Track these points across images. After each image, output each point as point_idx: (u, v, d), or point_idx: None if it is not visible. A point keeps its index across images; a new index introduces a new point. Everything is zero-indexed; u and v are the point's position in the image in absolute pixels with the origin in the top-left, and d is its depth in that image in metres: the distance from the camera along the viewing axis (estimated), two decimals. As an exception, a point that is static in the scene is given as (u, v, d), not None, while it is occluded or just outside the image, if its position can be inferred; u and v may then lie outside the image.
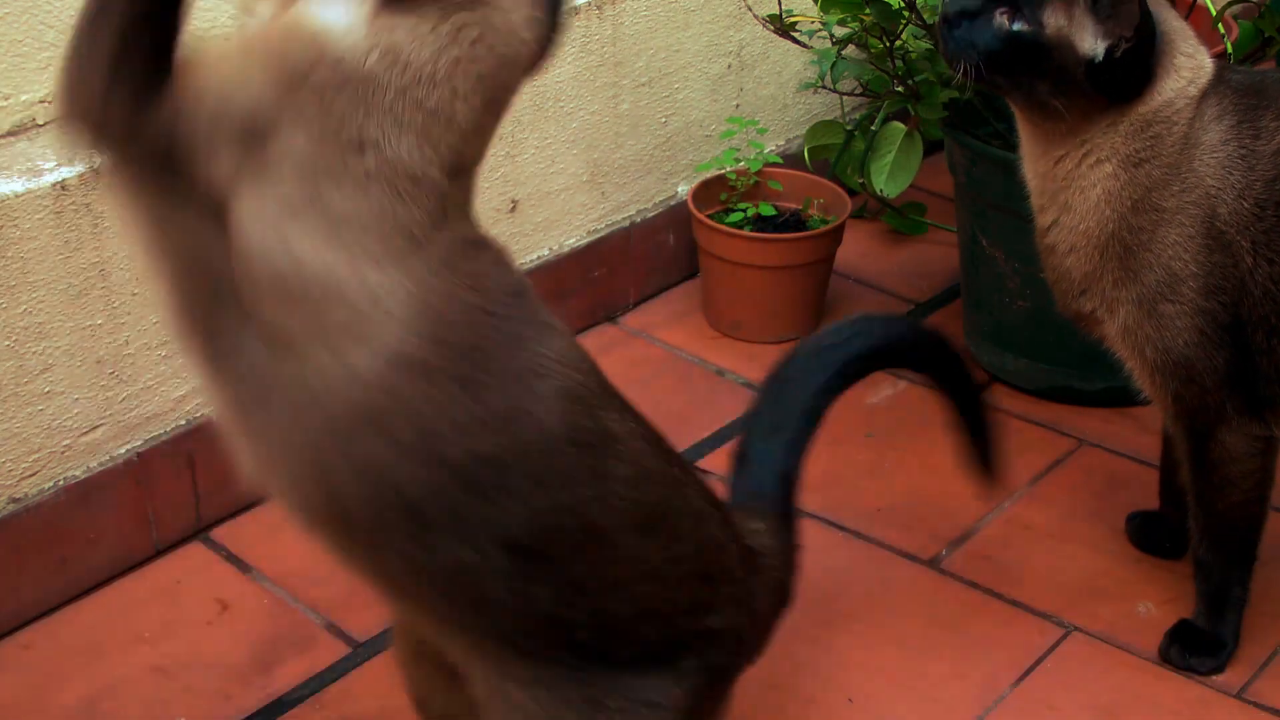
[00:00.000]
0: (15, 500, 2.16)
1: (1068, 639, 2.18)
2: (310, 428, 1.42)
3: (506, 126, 2.60)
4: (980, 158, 2.57)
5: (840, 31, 2.70)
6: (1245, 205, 1.92)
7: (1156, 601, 2.24)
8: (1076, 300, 2.06)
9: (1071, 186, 2.00)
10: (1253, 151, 1.92)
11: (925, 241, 3.19)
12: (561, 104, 2.70)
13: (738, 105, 3.06)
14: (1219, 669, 2.11)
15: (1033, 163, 2.06)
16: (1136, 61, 1.92)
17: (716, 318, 2.90)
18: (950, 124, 2.61)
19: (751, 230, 2.84)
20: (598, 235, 2.87)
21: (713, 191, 2.92)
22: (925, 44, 2.64)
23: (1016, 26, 1.92)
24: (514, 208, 2.68)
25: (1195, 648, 2.12)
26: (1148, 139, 1.95)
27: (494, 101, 1.49)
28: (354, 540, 1.48)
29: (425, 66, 1.42)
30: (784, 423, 1.83)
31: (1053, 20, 1.91)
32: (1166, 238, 1.96)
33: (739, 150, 2.96)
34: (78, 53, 1.34)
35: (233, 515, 2.41)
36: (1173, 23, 1.98)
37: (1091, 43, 1.90)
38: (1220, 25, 2.48)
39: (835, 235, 2.85)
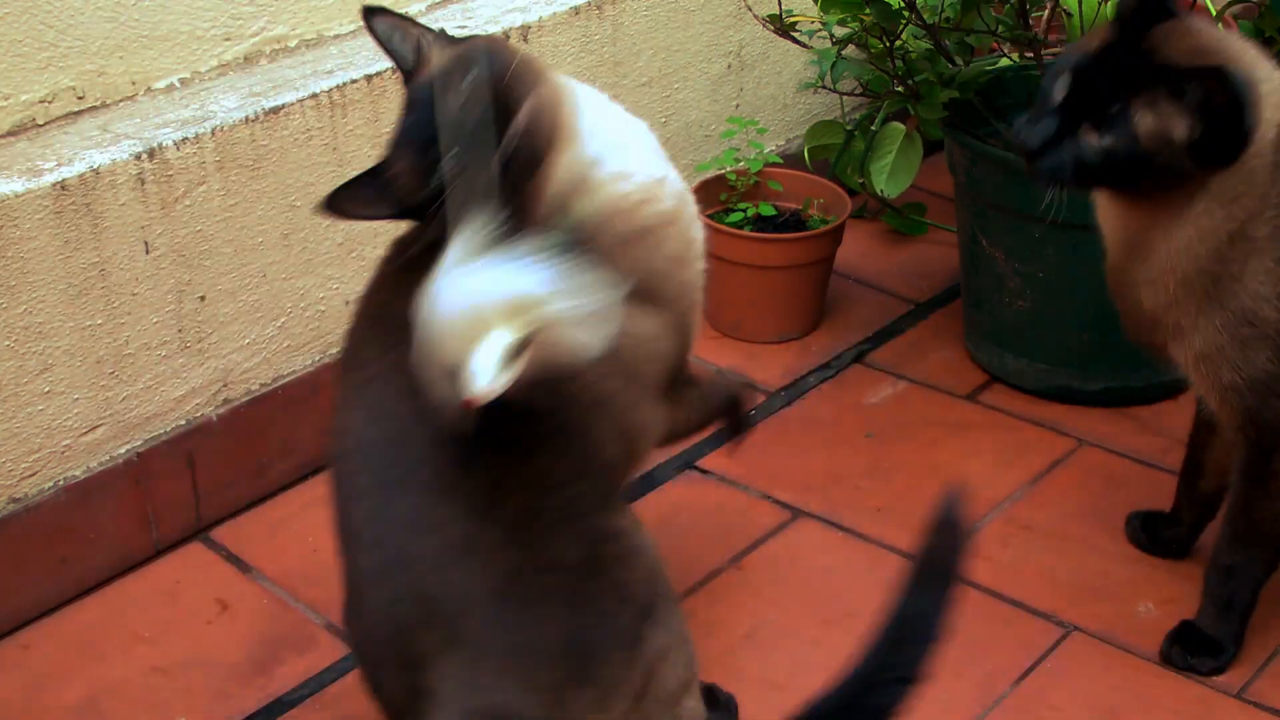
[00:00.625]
0: (15, 500, 2.16)
1: (1068, 639, 2.18)
2: None
3: (506, 126, 2.61)
4: (980, 158, 2.57)
5: (840, 31, 2.70)
6: None
7: (1156, 601, 2.24)
8: (1149, 333, 2.02)
9: (1158, 229, 1.94)
10: None
11: (925, 241, 3.19)
12: (561, 104, 2.70)
13: (738, 105, 3.06)
14: (1220, 670, 2.11)
15: (1119, 219, 1.99)
16: (1240, 121, 1.82)
17: (716, 317, 2.90)
18: (950, 124, 2.61)
19: (751, 230, 2.84)
20: (598, 235, 2.86)
21: (713, 191, 2.92)
22: (925, 44, 2.64)
23: (1108, 141, 1.85)
24: (514, 208, 2.68)
25: (1197, 648, 2.12)
26: (1244, 174, 1.88)
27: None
28: None
29: None
30: None
31: (1143, 123, 1.83)
32: (1258, 266, 1.91)
33: (739, 150, 2.96)
34: None
35: (233, 515, 2.41)
36: (1247, 55, 1.89)
37: (1186, 126, 1.83)
38: (1220, 25, 2.48)
39: (835, 235, 2.85)
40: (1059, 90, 1.90)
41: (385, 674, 1.61)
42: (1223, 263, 1.92)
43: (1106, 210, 2.03)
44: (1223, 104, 1.81)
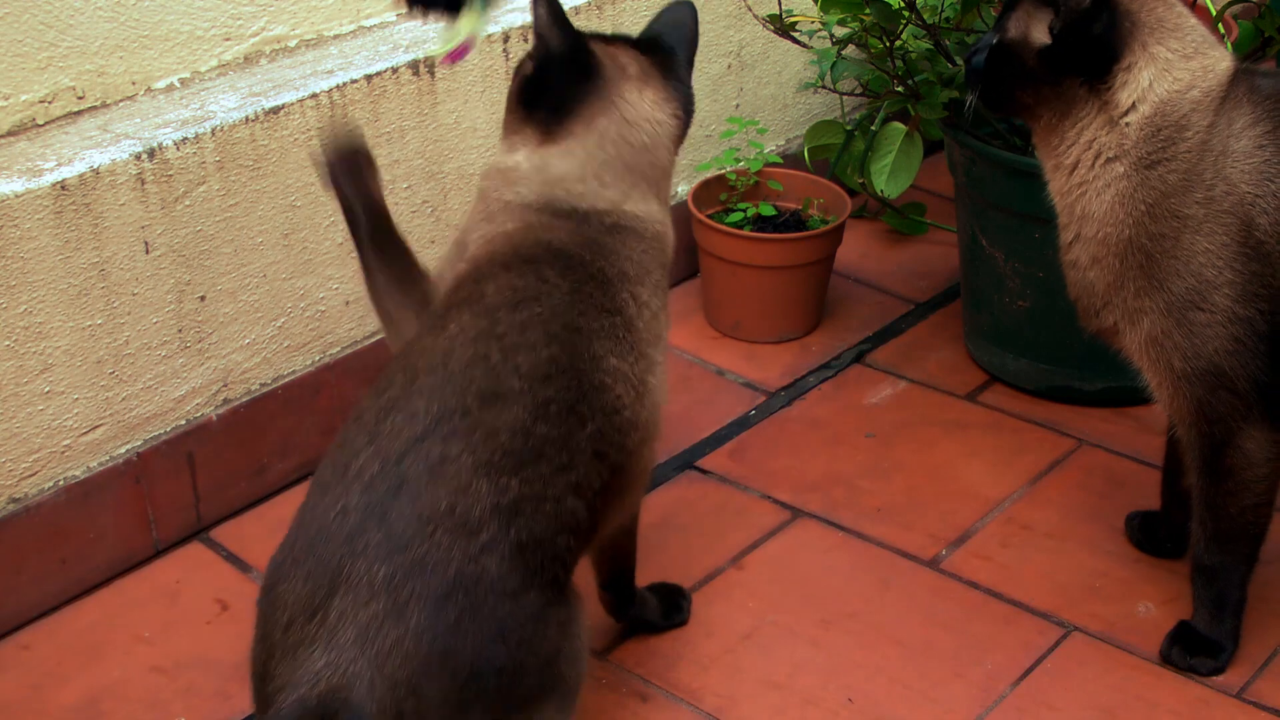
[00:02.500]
0: (15, 500, 2.16)
1: (1068, 639, 2.18)
2: None
3: (506, 126, 2.60)
4: (980, 158, 2.57)
5: (840, 31, 2.70)
6: None
7: (1156, 601, 2.24)
8: (1098, 316, 2.06)
9: (1087, 192, 2.01)
10: None
11: (925, 241, 3.19)
12: (561, 104, 2.70)
13: (738, 105, 3.06)
14: (1219, 670, 2.11)
15: (1053, 181, 2.07)
16: (1090, 36, 1.95)
17: (716, 318, 2.90)
18: (950, 124, 2.61)
19: (751, 230, 2.84)
20: (598, 235, 2.86)
21: (713, 191, 2.92)
22: (925, 44, 2.64)
23: (993, 40, 2.05)
24: (514, 208, 2.68)
25: (1196, 649, 2.12)
26: (1159, 142, 1.95)
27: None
28: None
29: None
30: None
31: (1015, 24, 2.02)
32: (1195, 245, 1.94)
33: (739, 150, 2.96)
34: None
35: (233, 515, 2.41)
36: (1160, 13, 1.98)
37: (1045, 29, 1.98)
38: (1220, 25, 2.48)
39: (835, 235, 2.85)
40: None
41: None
42: (1151, 238, 1.97)
43: (1050, 180, 2.09)
44: (1079, 8, 1.94)
